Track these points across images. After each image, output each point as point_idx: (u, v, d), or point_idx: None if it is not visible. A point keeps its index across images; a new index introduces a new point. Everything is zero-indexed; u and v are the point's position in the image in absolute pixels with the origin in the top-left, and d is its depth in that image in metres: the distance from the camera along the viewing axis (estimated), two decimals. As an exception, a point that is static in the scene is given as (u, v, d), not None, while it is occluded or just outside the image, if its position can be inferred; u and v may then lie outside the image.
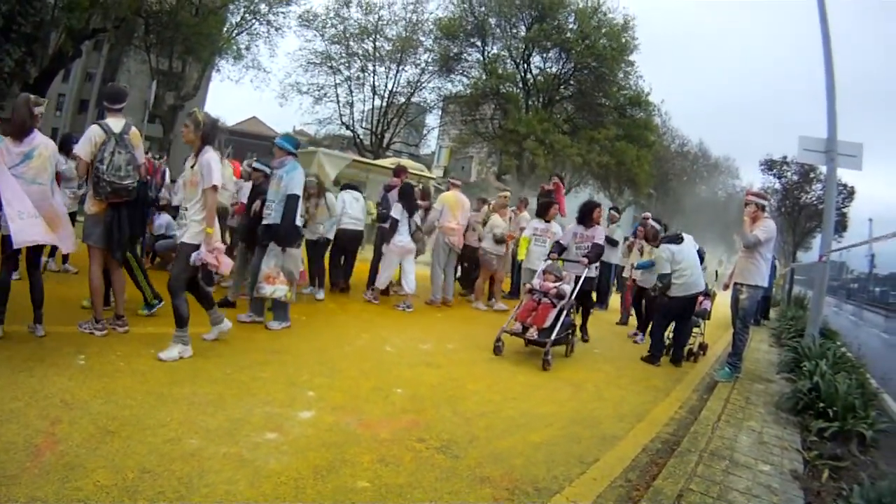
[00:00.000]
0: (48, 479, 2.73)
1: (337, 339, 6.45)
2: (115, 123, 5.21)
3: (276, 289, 6.16)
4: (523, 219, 11.38)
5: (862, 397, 5.28)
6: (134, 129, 5.37)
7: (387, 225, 9.14)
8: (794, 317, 12.63)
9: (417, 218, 9.06)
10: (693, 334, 8.43)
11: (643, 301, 9.69)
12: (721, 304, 9.21)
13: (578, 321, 8.22)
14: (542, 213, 9.32)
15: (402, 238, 8.85)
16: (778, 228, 7.88)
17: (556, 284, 7.23)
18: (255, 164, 7.50)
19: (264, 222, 6.47)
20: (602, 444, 4.27)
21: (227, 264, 5.12)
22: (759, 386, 6.92)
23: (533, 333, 6.64)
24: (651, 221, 9.87)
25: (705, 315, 8.57)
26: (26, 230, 4.57)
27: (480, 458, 3.68)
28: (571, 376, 6.28)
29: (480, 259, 10.43)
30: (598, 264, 8.44)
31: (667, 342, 8.04)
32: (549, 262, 7.71)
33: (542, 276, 7.50)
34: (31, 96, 4.90)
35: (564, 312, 6.86)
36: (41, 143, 4.84)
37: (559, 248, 7.80)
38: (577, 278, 7.32)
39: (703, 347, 8.59)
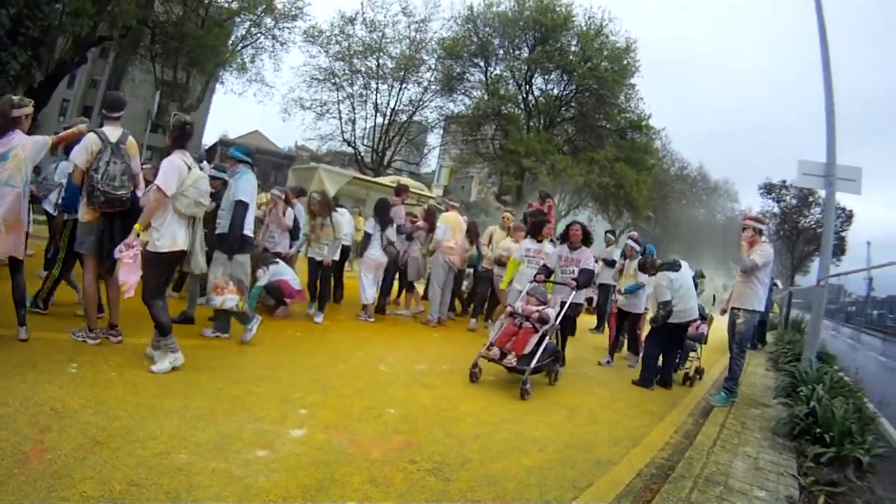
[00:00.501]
0: (34, 488, 2.72)
1: (331, 357, 6.41)
2: (112, 132, 5.18)
3: (226, 299, 6.08)
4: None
5: (859, 422, 5.26)
6: (131, 138, 5.33)
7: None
8: (791, 340, 12.61)
9: (390, 232, 9.17)
10: (689, 358, 8.52)
11: (624, 325, 9.38)
12: (718, 329, 9.18)
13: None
14: (535, 232, 8.78)
15: (375, 252, 9.05)
16: (776, 252, 7.89)
17: (540, 308, 6.83)
18: (211, 173, 7.12)
19: (217, 231, 6.32)
20: (596, 469, 4.24)
21: (129, 273, 4.69)
22: (756, 410, 6.88)
23: (511, 360, 6.19)
24: (631, 242, 9.74)
25: (702, 339, 8.61)
26: None
27: (472, 481, 3.64)
28: (566, 400, 6.24)
29: (494, 283, 9.96)
30: (586, 290, 8.09)
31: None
32: (534, 284, 7.32)
33: (526, 298, 7.12)
34: (14, 97, 4.90)
35: (547, 338, 6.46)
36: (19, 144, 4.74)
37: (546, 271, 7.43)
38: (563, 303, 6.90)
39: (699, 371, 8.50)
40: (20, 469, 2.86)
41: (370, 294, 9.16)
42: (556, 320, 6.68)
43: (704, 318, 8.90)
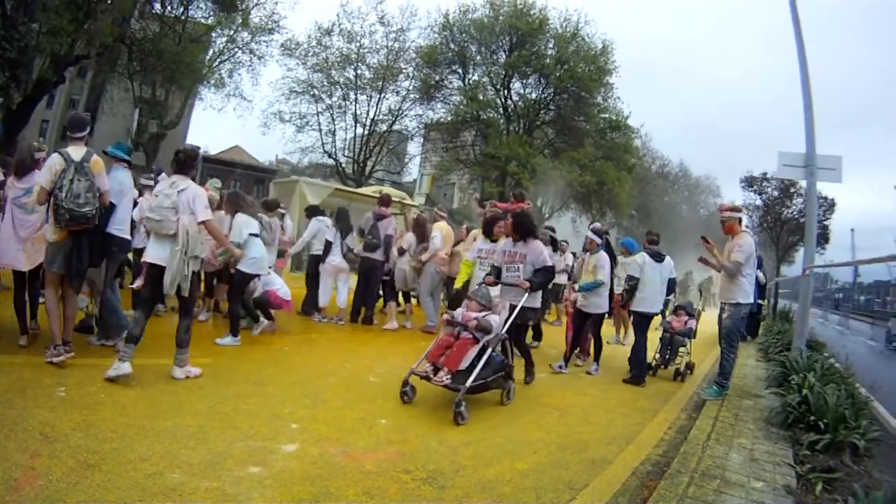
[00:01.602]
0: None
1: (321, 370, 6.38)
2: (76, 151, 5.30)
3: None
4: None
5: (852, 407, 5.27)
6: (95, 157, 5.42)
7: (375, 255, 9.35)
8: (780, 331, 12.66)
9: (350, 240, 9.45)
10: (679, 353, 8.49)
11: (583, 328, 8.34)
12: (709, 323, 9.22)
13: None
14: (488, 231, 8.17)
15: (336, 258, 9.32)
16: (760, 244, 7.93)
17: (480, 314, 5.73)
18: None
19: None
20: (591, 469, 4.23)
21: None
22: (748, 402, 6.90)
23: (443, 377, 5.23)
24: (591, 233, 8.32)
25: (691, 334, 8.62)
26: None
27: (467, 487, 3.63)
28: (557, 401, 6.23)
29: None
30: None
31: (655, 361, 8.42)
32: (476, 287, 6.56)
33: (466, 304, 6.06)
34: (34, 143, 6.11)
35: (489, 350, 5.46)
36: (38, 182, 5.49)
37: (497, 272, 6.66)
38: (513, 307, 6.02)
39: (689, 367, 8.50)
40: (12, 496, 2.84)
41: (326, 298, 9.54)
42: (502, 328, 5.79)
43: (692, 313, 8.98)
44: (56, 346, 5.19)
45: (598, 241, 8.21)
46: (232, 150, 47.96)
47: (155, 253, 5.28)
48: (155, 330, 7.10)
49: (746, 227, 7.18)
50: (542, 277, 6.39)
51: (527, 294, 6.18)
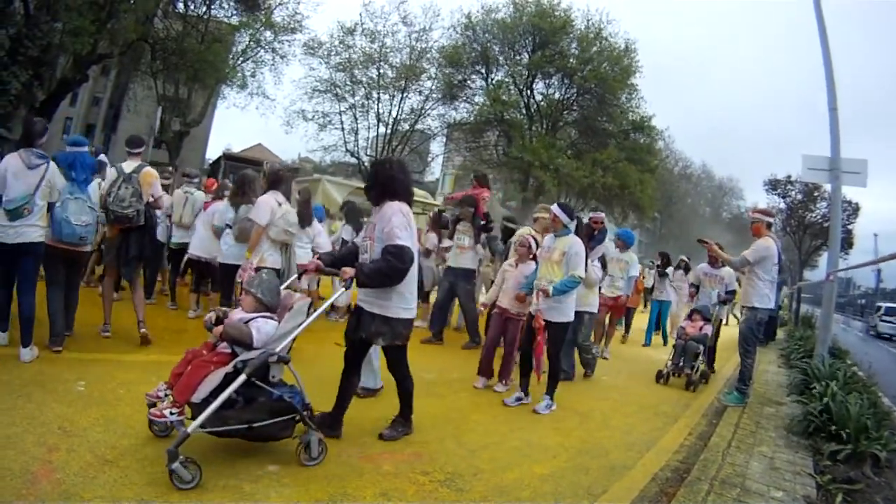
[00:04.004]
0: None
1: (339, 369, 6.33)
2: (129, 165, 6.19)
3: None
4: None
5: (874, 417, 5.21)
6: (147, 169, 6.24)
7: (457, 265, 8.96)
8: (802, 337, 12.51)
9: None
10: (692, 362, 7.87)
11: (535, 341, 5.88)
12: (731, 327, 9.09)
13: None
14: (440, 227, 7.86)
15: None
16: (783, 247, 7.84)
17: (248, 316, 3.71)
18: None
19: None
20: (610, 475, 4.20)
21: None
22: (770, 409, 6.82)
23: (160, 412, 3.41)
24: (556, 209, 5.75)
25: (705, 341, 8.04)
26: None
27: (485, 491, 3.62)
28: (578, 405, 6.17)
29: None
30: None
31: (667, 368, 8.02)
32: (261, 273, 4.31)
33: (241, 297, 4.07)
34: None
35: (242, 377, 3.38)
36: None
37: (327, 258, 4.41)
38: (360, 311, 4.22)
39: (704, 376, 8.10)
40: (28, 489, 2.86)
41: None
42: (281, 344, 3.63)
43: (708, 318, 8.36)
44: (105, 324, 6.16)
45: (565, 218, 5.76)
46: (255, 149, 48.21)
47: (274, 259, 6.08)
48: (172, 325, 7.18)
49: (770, 234, 7.06)
50: (379, 268, 3.96)
51: (348, 284, 3.93)
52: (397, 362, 4.46)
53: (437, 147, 38.34)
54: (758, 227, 6.97)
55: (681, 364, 7.91)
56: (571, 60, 29.80)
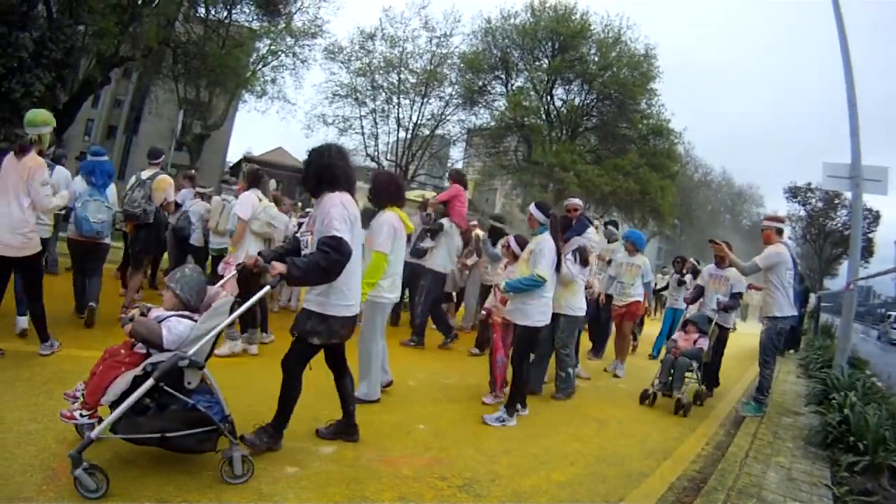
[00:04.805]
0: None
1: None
2: (147, 172, 7.45)
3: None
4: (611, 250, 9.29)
5: (893, 429, 5.14)
6: (162, 177, 7.45)
7: (421, 261, 8.75)
8: (821, 346, 12.40)
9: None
10: (685, 380, 6.80)
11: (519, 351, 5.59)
12: (751, 335, 8.97)
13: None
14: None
15: None
16: (803, 255, 7.76)
17: (165, 315, 3.46)
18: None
19: None
20: (628, 483, 4.20)
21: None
22: (788, 419, 6.77)
23: (79, 410, 3.22)
24: (533, 209, 5.72)
25: (699, 356, 6.91)
26: None
27: (503, 497, 3.63)
28: (596, 413, 6.17)
29: None
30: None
31: (653, 386, 6.94)
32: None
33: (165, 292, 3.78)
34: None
35: (150, 381, 3.09)
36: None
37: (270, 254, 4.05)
38: (237, 302, 3.56)
39: (699, 396, 7.19)
40: (49, 485, 2.92)
41: None
42: (194, 347, 3.25)
43: (705, 330, 7.18)
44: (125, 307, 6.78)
45: (541, 217, 5.66)
46: (275, 152, 48.31)
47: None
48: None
49: (789, 238, 7.00)
50: (315, 261, 3.58)
51: (273, 281, 3.55)
52: (297, 359, 4.01)
53: (457, 153, 38.41)
54: (769, 234, 6.90)
55: (669, 383, 6.79)
56: (591, 66, 29.68)
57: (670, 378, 6.76)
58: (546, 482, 3.99)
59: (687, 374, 6.75)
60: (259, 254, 4.04)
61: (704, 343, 7.02)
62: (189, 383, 3.25)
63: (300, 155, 48.20)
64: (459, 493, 3.59)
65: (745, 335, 9.18)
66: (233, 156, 45.93)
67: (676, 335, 7.41)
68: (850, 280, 8.01)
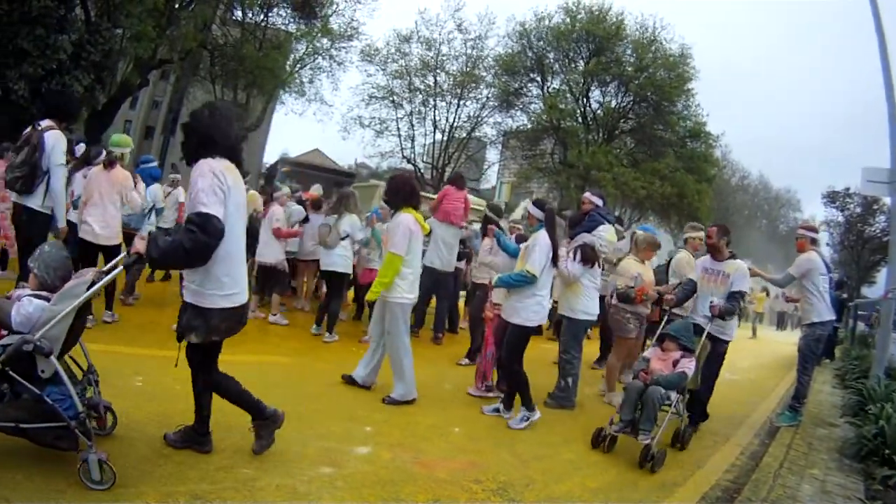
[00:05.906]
0: (96, 496, 2.80)
1: (325, 381, 5.89)
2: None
3: None
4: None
5: (930, 442, 5.05)
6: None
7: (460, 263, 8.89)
8: (858, 356, 12.14)
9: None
10: (664, 410, 4.87)
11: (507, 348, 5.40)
12: (788, 344, 8.80)
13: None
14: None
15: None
16: (841, 262, 7.61)
17: (24, 293, 3.23)
18: None
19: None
20: (660, 492, 4.19)
21: None
22: (823, 430, 6.66)
23: None
24: (530, 206, 5.74)
25: (681, 382, 4.96)
26: None
27: (537, 501, 3.65)
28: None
29: (610, 320, 6.95)
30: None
31: (609, 429, 4.89)
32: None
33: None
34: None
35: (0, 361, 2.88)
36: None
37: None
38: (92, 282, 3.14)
39: (679, 438, 5.28)
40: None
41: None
42: (49, 326, 2.94)
43: (689, 347, 5.21)
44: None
45: (538, 213, 5.51)
46: (312, 154, 48.65)
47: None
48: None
49: (826, 244, 6.89)
50: (178, 242, 3.06)
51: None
52: (203, 365, 3.58)
53: (493, 155, 38.37)
54: (802, 243, 6.82)
55: (635, 421, 4.80)
56: (627, 68, 29.43)
57: (638, 414, 4.81)
58: (580, 488, 3.99)
59: (664, 407, 4.86)
60: (149, 234, 3.47)
61: (690, 365, 5.05)
62: (42, 371, 2.92)
63: (336, 157, 48.63)
64: (493, 497, 3.61)
65: (752, 341, 8.92)
66: (269, 157, 46.36)
67: (649, 352, 5.40)
68: (889, 288, 7.85)
